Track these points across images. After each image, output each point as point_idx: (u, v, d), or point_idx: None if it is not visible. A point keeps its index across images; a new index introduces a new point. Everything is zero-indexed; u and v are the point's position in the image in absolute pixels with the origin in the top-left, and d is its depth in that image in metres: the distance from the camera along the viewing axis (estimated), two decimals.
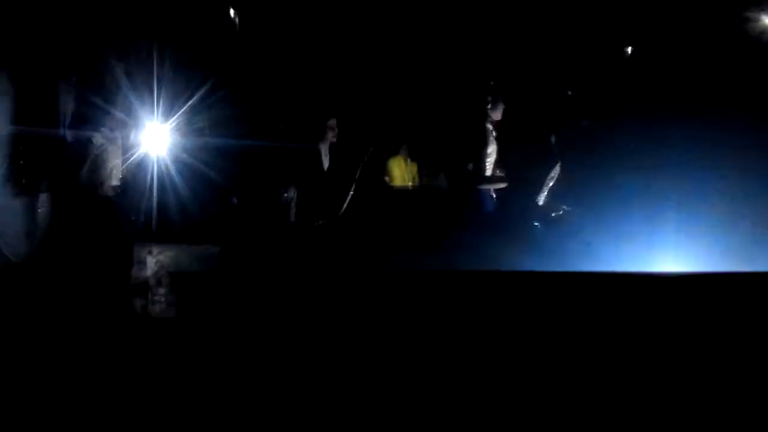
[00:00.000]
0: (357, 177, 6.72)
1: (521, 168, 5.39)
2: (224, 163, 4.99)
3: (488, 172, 6.01)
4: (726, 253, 6.93)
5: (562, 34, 10.71)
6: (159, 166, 5.72)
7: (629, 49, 11.01)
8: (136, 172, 5.46)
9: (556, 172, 5.39)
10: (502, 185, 5.78)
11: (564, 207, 5.37)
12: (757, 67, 8.91)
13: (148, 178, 5.65)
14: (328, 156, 6.21)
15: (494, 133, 6.01)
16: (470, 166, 6.21)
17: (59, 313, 5.26)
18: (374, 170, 8.65)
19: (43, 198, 5.70)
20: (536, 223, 5.33)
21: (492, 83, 6.21)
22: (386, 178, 10.16)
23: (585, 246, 5.67)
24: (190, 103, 5.84)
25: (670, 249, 7.14)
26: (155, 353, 5.41)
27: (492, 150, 5.93)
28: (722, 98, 8.50)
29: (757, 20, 9.32)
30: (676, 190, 7.84)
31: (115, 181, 5.29)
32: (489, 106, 6.15)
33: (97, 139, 5.15)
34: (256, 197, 4.52)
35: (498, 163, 5.81)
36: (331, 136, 6.13)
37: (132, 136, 5.39)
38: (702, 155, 8.15)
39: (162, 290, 6.95)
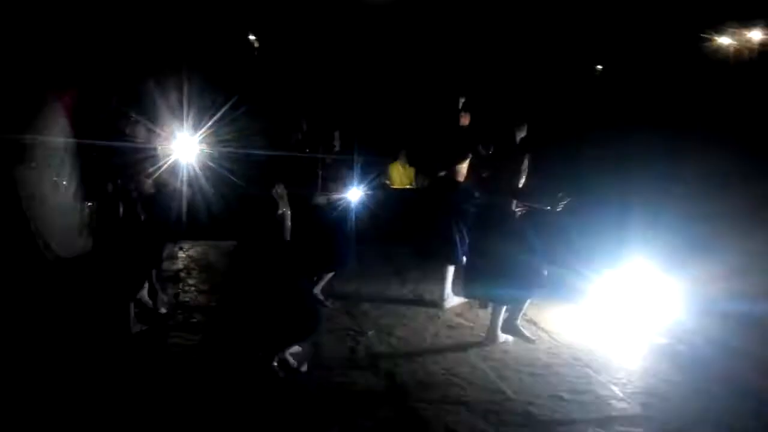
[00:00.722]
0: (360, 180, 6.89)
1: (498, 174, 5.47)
2: (243, 169, 5.19)
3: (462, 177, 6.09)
4: (688, 246, 7.00)
5: (539, 54, 10.92)
6: (189, 172, 5.89)
7: (599, 68, 11.28)
8: (169, 177, 5.64)
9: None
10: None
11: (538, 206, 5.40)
12: (712, 84, 9.13)
13: (180, 182, 5.81)
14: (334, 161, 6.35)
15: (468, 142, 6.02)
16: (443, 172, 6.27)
17: (105, 299, 5.42)
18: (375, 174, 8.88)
19: (91, 200, 5.95)
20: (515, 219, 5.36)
21: (464, 97, 6.24)
22: (387, 181, 10.52)
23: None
24: (215, 118, 6.03)
25: (638, 244, 7.18)
26: (187, 334, 5.70)
27: (466, 156, 5.98)
28: (682, 115, 8.69)
29: (712, 41, 9.57)
30: (644, 193, 7.99)
31: (152, 185, 5.45)
32: (461, 116, 6.20)
33: (138, 148, 5.30)
34: (271, 197, 4.68)
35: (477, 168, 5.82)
36: (337, 146, 6.33)
37: (166, 146, 5.57)
38: (666, 164, 8.32)
39: (191, 280, 7.23)
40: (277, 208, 4.62)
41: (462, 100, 6.25)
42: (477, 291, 5.72)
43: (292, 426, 4.17)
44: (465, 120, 6.21)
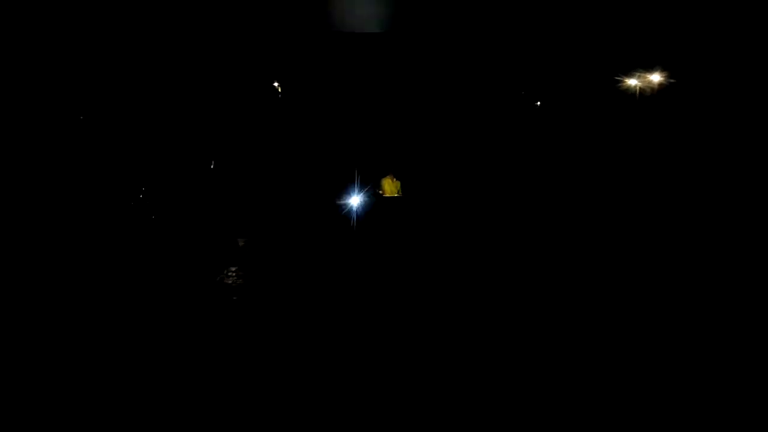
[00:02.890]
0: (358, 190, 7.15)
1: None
2: (271, 180, 5.39)
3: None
4: None
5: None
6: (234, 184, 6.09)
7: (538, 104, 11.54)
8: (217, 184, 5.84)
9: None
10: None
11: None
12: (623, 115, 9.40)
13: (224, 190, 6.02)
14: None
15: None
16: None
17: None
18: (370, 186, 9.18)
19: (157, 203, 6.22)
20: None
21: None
22: (379, 191, 10.85)
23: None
24: (250, 145, 6.23)
25: None
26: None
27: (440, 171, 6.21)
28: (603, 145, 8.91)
29: (623, 82, 9.87)
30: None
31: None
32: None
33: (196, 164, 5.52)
34: (290, 202, 4.87)
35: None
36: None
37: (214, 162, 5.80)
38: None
39: (233, 267, 7.47)
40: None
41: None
42: None
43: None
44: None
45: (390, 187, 10.86)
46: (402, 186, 10.64)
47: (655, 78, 9.60)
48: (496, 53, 10.88)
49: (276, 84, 11.78)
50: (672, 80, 9.22)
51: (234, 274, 6.81)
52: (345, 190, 6.86)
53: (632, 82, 9.89)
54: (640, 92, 9.83)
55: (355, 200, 6.99)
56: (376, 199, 9.30)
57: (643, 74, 9.69)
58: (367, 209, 7.33)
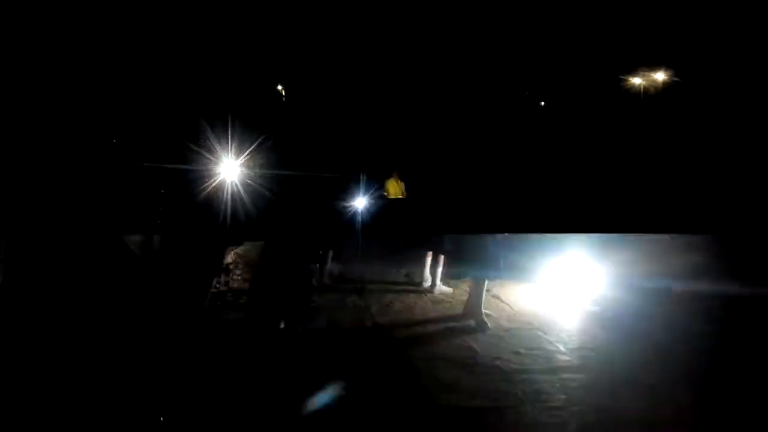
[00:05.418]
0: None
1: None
2: (273, 187, 5.15)
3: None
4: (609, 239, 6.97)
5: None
6: (233, 188, 5.82)
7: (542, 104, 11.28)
8: (218, 192, 5.59)
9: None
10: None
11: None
12: (627, 112, 9.14)
13: (226, 195, 5.75)
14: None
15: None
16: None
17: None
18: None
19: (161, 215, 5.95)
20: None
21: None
22: (384, 193, 10.55)
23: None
24: (251, 148, 5.96)
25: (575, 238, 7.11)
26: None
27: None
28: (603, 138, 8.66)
29: (627, 80, 9.60)
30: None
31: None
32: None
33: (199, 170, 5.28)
34: (292, 208, 4.61)
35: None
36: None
37: (216, 169, 5.54)
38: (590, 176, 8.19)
39: (238, 271, 7.27)
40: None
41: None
42: (459, 271, 5.72)
43: (315, 375, 4.18)
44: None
45: (395, 188, 10.55)
46: (406, 187, 10.41)
47: (659, 77, 9.29)
48: (499, 52, 10.63)
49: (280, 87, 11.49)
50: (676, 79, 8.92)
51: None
52: (349, 192, 6.51)
53: (636, 81, 9.59)
54: (644, 91, 9.54)
55: (360, 202, 6.64)
56: (381, 201, 8.99)
57: (647, 73, 9.38)
58: (372, 211, 7.02)
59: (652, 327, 5.19)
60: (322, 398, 3.81)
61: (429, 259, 6.44)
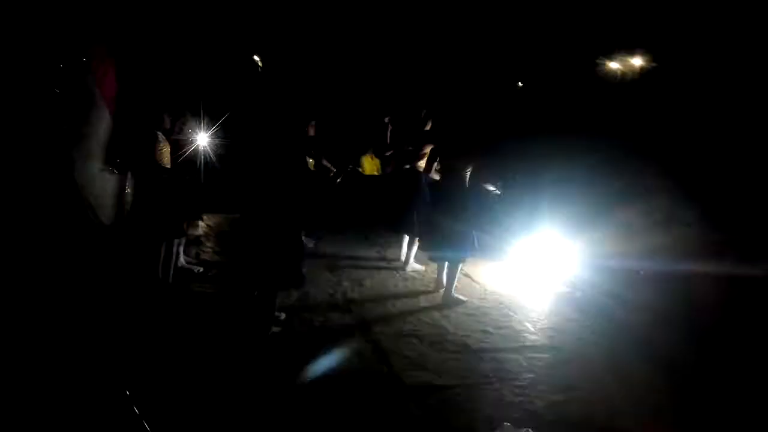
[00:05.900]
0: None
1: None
2: (243, 157, 5.01)
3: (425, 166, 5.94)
4: (581, 218, 7.01)
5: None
6: (205, 157, 5.70)
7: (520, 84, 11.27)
8: (191, 161, 5.47)
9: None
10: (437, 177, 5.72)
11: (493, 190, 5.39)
12: (602, 99, 9.14)
13: (199, 165, 5.62)
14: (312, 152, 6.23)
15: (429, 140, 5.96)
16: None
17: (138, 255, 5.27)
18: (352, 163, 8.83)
19: (129, 177, 5.79)
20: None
21: (426, 109, 6.16)
22: (359, 169, 10.47)
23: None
24: (222, 119, 5.83)
25: (546, 217, 7.13)
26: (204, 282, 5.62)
27: (427, 150, 5.90)
28: (579, 124, 8.60)
29: (604, 65, 9.59)
30: (550, 181, 7.98)
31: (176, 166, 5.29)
32: (425, 123, 6.13)
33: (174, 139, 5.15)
34: (262, 179, 4.47)
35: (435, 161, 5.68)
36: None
37: (190, 138, 5.41)
38: (565, 160, 8.21)
39: (209, 243, 7.13)
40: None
41: (424, 111, 6.17)
42: (430, 251, 5.69)
43: (283, 353, 4.14)
44: (428, 126, 6.15)
45: (370, 165, 10.50)
46: (381, 164, 10.35)
47: (637, 62, 9.29)
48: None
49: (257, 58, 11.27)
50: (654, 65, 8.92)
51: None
52: (326, 168, 6.44)
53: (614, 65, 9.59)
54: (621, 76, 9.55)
55: (335, 178, 6.59)
56: (356, 177, 8.95)
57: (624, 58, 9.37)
58: (347, 187, 6.98)
59: (621, 307, 5.24)
60: (287, 375, 3.78)
61: (413, 241, 6.39)
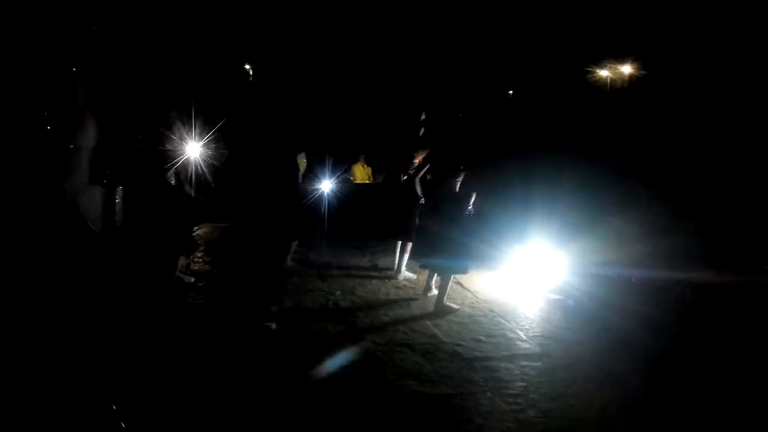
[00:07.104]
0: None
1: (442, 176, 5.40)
2: (235, 167, 5.01)
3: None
4: (571, 229, 7.04)
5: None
6: (196, 168, 5.69)
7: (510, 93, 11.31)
8: (183, 171, 5.46)
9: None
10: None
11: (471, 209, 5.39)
12: (592, 111, 9.18)
13: (190, 174, 5.61)
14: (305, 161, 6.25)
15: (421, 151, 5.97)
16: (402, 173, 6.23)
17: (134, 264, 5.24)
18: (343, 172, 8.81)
19: (119, 189, 5.77)
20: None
21: (423, 116, 6.15)
22: (351, 177, 10.49)
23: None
24: (213, 130, 5.83)
25: (538, 228, 7.19)
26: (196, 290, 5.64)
27: (418, 161, 5.89)
28: (569, 133, 8.67)
29: (594, 72, 9.64)
30: (541, 193, 8.01)
31: (171, 177, 5.28)
32: (419, 131, 6.14)
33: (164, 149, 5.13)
34: (255, 189, 4.47)
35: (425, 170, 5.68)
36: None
37: (181, 149, 5.40)
38: (555, 172, 8.27)
39: (199, 254, 7.06)
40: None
41: (423, 117, 6.16)
42: (423, 260, 5.68)
43: (278, 362, 4.12)
44: (420, 132, 6.16)
45: (361, 173, 10.52)
46: (372, 172, 10.40)
47: (626, 70, 9.37)
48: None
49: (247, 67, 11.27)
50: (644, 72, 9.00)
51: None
52: (316, 175, 6.43)
53: (603, 73, 9.65)
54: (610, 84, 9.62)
55: (326, 186, 6.58)
56: (347, 185, 8.94)
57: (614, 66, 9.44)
58: (338, 195, 6.96)
59: (613, 315, 5.24)
60: (279, 384, 3.76)
61: (399, 246, 6.37)
